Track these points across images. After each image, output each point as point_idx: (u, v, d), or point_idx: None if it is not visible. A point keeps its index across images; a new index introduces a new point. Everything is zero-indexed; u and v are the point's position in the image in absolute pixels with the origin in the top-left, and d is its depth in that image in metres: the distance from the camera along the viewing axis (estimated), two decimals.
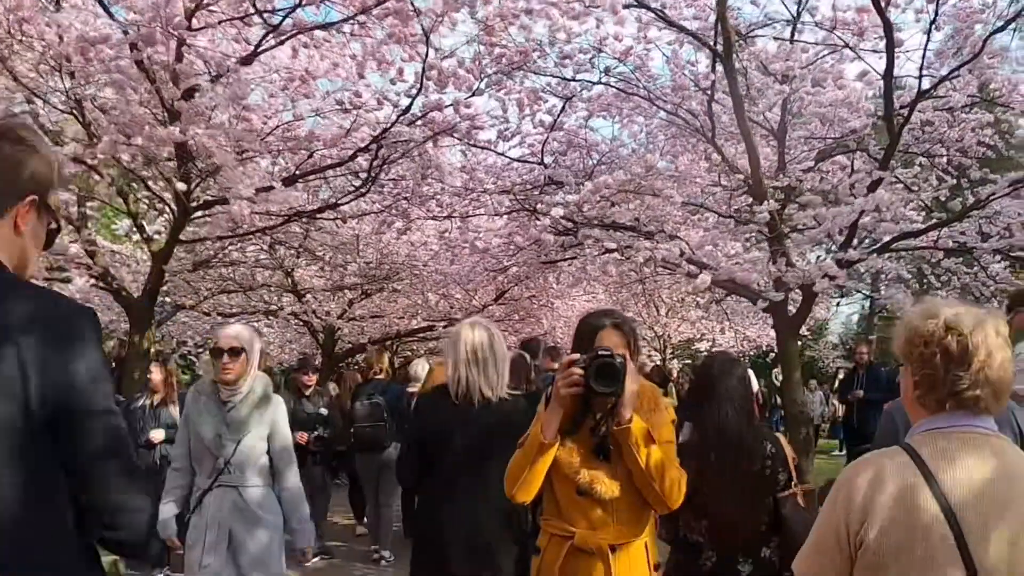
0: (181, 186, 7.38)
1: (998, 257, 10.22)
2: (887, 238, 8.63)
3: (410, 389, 9.10)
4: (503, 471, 3.27)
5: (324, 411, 8.57)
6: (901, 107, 8.63)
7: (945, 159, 10.35)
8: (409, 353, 22.58)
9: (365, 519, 9.51)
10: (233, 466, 4.25)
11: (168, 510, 4.38)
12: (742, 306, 18.13)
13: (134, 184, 9.99)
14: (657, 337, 21.87)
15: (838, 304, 32.53)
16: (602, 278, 14.70)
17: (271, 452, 4.41)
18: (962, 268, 11.28)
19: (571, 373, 2.76)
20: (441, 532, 3.88)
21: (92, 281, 10.29)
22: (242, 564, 4.22)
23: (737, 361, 3.85)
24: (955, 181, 10.25)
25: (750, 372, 8.13)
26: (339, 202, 9.15)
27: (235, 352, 4.32)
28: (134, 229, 10.35)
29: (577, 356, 2.80)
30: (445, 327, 15.44)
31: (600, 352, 2.74)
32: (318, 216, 10.35)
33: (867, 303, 31.42)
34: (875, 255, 8.44)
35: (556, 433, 2.83)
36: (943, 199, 10.09)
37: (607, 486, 2.83)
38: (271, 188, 7.73)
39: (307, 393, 8.59)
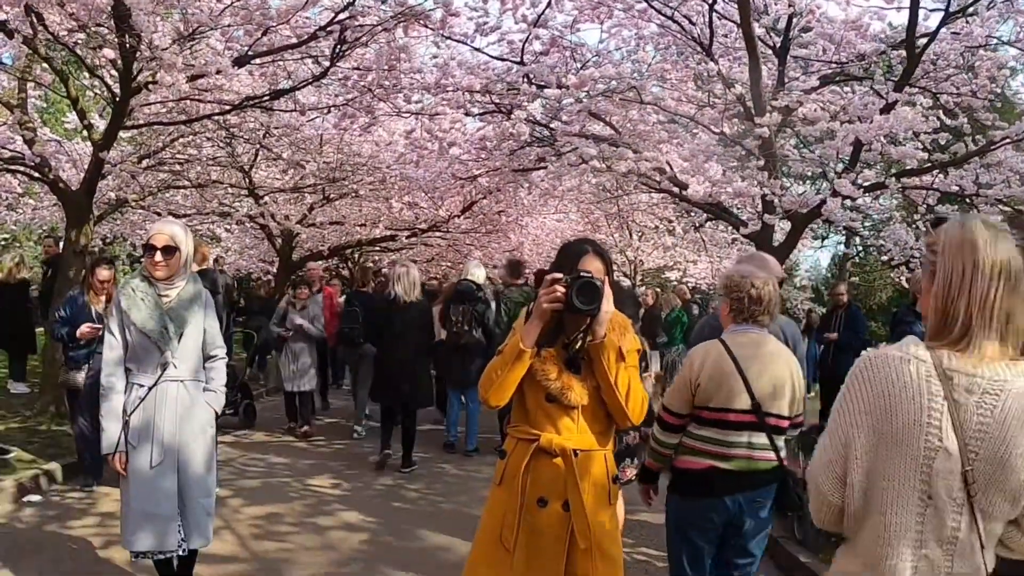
0: (109, 53, 6.47)
1: (996, 208, 9.59)
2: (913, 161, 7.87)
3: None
4: (418, 336, 8.17)
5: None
6: (919, 36, 7.87)
7: (952, 99, 9.63)
8: (371, 264, 21.84)
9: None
10: (178, 359, 4.23)
11: (117, 422, 4.20)
12: (720, 235, 17.46)
13: (73, 66, 9.08)
14: (629, 262, 21.13)
15: (822, 244, 32.27)
16: (575, 195, 14.03)
17: (206, 341, 4.42)
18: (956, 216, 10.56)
19: (554, 290, 2.93)
20: (391, 367, 8.16)
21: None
22: (185, 457, 4.24)
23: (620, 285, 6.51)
24: (961, 122, 9.47)
25: None
26: (295, 87, 8.22)
27: (169, 251, 4.23)
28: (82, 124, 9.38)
29: (560, 275, 2.95)
30: (408, 237, 14.70)
31: (582, 274, 2.94)
32: (274, 108, 9.45)
33: (842, 246, 31.14)
34: (895, 179, 7.73)
35: (535, 343, 3.00)
36: (943, 143, 9.37)
37: (577, 394, 3.01)
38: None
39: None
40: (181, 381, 4.25)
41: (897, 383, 1.91)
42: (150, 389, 4.17)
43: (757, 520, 3.69)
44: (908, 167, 8.19)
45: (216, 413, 4.45)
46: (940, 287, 1.98)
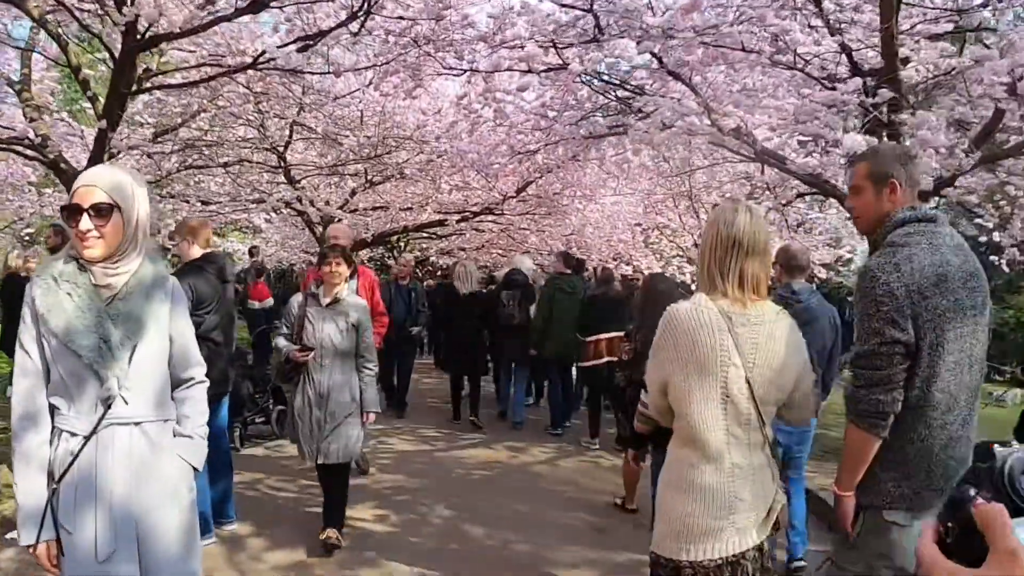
0: None
1: None
2: None
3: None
4: (476, 318, 10.60)
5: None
6: None
7: None
8: (418, 252, 20.57)
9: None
10: (130, 389, 2.62)
11: (37, 491, 2.60)
12: (807, 216, 15.55)
13: (65, 24, 7.93)
14: (696, 247, 19.46)
15: None
16: (640, 172, 12.75)
17: (175, 355, 2.83)
18: None
19: None
20: (458, 342, 10.74)
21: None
22: (149, 538, 2.66)
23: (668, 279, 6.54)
24: None
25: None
26: (324, 31, 6.89)
27: (101, 211, 2.57)
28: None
29: None
30: (459, 221, 13.38)
31: None
32: (304, 70, 8.16)
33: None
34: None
35: None
36: None
37: None
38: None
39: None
40: (135, 423, 2.66)
41: (697, 324, 2.69)
42: (87, 439, 2.60)
43: None
44: None
45: (195, 470, 2.86)
46: (699, 255, 2.87)
